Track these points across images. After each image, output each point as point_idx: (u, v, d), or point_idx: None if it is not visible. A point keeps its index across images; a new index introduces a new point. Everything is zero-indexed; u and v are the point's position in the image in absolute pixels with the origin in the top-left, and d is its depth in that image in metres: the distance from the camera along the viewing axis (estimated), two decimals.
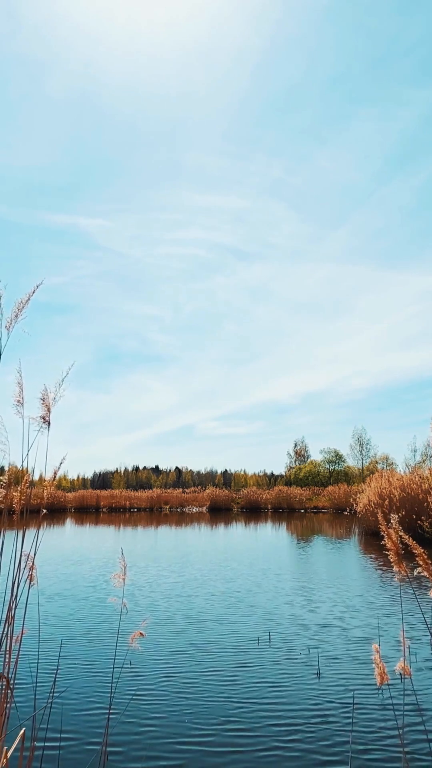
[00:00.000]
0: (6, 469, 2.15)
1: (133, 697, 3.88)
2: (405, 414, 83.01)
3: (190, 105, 76.88)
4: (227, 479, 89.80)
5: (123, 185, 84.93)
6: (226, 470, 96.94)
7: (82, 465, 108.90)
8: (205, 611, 6.64)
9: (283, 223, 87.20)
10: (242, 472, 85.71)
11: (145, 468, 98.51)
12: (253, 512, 36.61)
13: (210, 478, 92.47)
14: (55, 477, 2.18)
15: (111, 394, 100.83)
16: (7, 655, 1.92)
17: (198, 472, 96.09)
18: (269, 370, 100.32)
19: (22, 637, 2.05)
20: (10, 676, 1.89)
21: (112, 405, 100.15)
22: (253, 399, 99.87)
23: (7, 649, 1.93)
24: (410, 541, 2.10)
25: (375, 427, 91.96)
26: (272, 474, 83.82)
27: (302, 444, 63.65)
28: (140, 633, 2.44)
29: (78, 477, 79.05)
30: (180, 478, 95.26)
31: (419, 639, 5.36)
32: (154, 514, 34.53)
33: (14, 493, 2.06)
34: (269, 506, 39.23)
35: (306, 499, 40.46)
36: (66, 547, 14.46)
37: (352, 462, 56.21)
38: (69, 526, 23.35)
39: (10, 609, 1.94)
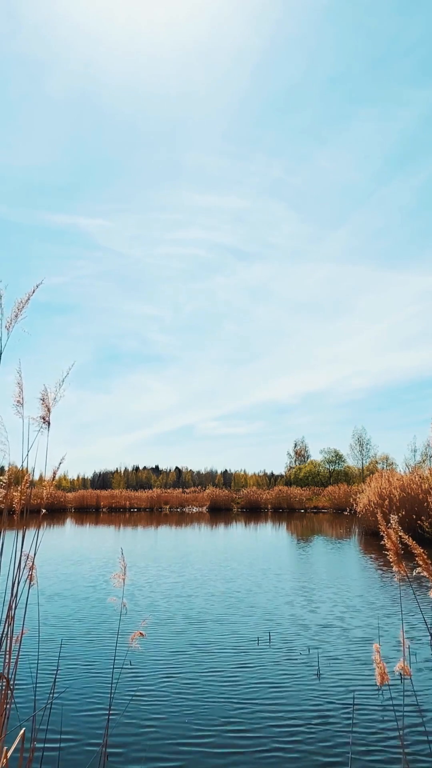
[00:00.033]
0: (6, 469, 2.15)
1: (133, 698, 3.87)
2: (405, 414, 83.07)
3: (190, 105, 76.97)
4: (227, 479, 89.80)
5: (123, 185, 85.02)
6: (226, 470, 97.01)
7: (82, 465, 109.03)
8: (205, 611, 6.64)
9: (283, 223, 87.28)
10: (242, 472, 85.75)
11: (145, 468, 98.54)
12: (253, 512, 36.61)
13: (210, 478, 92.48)
14: (54, 477, 2.18)
15: (111, 394, 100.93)
16: (7, 655, 1.91)
17: (198, 472, 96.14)
18: (269, 370, 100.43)
19: (22, 637, 2.04)
20: (10, 676, 1.88)
21: (112, 405, 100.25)
22: (253, 399, 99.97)
23: (7, 649, 1.93)
24: (410, 541, 2.09)
25: (375, 427, 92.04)
26: (272, 474, 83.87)
27: (302, 444, 63.69)
28: (140, 633, 2.44)
29: (78, 477, 79.11)
30: (180, 478, 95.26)
31: (419, 639, 5.36)
32: (154, 514, 34.53)
33: (14, 493, 2.06)
34: (269, 506, 39.23)
35: (306, 499, 40.46)
36: (66, 547, 14.46)
37: (352, 462, 56.27)
38: (69, 526, 23.35)
39: (10, 609, 1.94)
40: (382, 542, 2.20)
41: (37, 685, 3.97)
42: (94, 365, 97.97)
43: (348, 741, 3.17)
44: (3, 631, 1.92)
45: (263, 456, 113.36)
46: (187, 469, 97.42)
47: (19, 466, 2.11)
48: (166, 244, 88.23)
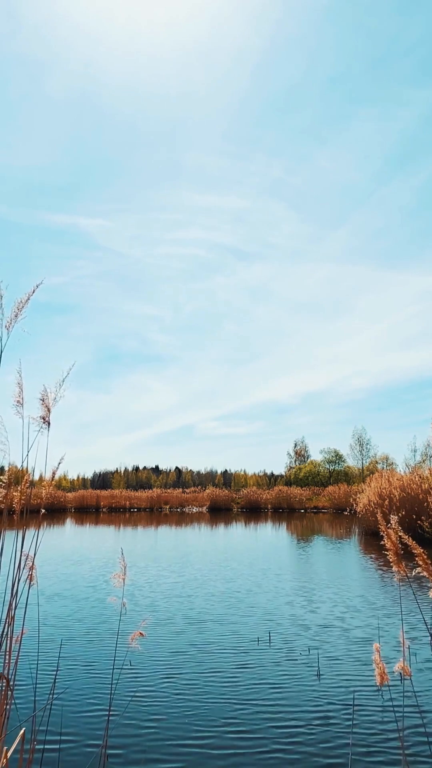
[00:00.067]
0: (6, 469, 2.15)
1: (133, 698, 3.87)
2: (405, 414, 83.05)
3: (190, 105, 76.92)
4: (227, 479, 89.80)
5: (123, 185, 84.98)
6: (226, 470, 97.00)
7: (82, 465, 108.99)
8: (205, 611, 6.64)
9: (283, 223, 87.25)
10: (242, 472, 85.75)
11: (145, 468, 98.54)
12: (253, 512, 36.60)
13: (210, 478, 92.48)
14: (53, 477, 2.18)
15: (111, 394, 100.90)
16: (7, 656, 1.91)
17: (198, 472, 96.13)
18: (269, 370, 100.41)
19: (22, 637, 2.04)
20: (10, 676, 1.88)
21: (112, 405, 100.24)
22: (253, 399, 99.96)
23: (7, 649, 1.93)
24: (410, 541, 2.09)
25: (375, 427, 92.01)
26: (272, 474, 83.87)
27: (302, 444, 63.69)
28: (140, 633, 2.44)
29: (78, 477, 79.08)
30: (180, 478, 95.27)
31: (420, 639, 5.36)
32: (154, 514, 34.53)
33: (14, 493, 2.06)
34: (269, 506, 39.23)
35: (306, 499, 40.46)
36: (66, 547, 14.46)
37: (352, 462, 56.25)
38: (69, 526, 23.35)
39: (10, 609, 1.94)
40: (382, 542, 2.20)
41: (37, 685, 3.97)
42: (94, 365, 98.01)
43: (348, 742, 3.17)
44: (3, 631, 1.92)
45: (263, 456, 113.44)
46: (187, 469, 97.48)
47: (19, 466, 2.11)
48: (166, 244, 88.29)
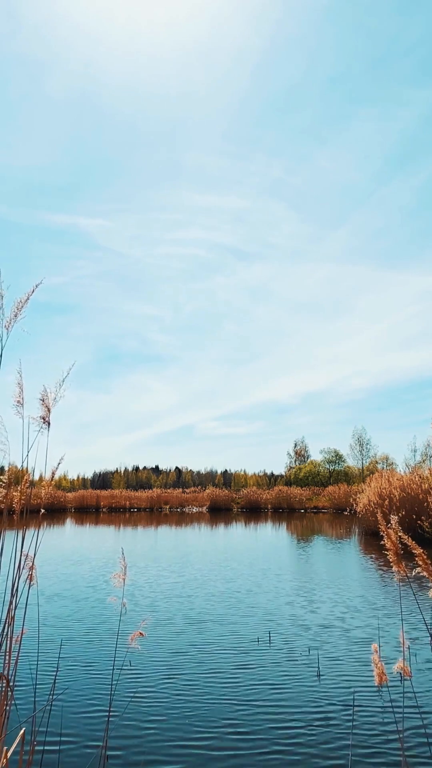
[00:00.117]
0: (6, 469, 2.15)
1: (133, 699, 3.87)
2: (405, 414, 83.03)
3: (190, 105, 76.87)
4: (227, 479, 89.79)
5: (123, 185, 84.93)
6: (226, 470, 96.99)
7: (82, 465, 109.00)
8: (205, 612, 6.63)
9: (283, 223, 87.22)
10: (242, 472, 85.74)
11: (145, 468, 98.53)
12: (253, 512, 36.60)
13: (210, 478, 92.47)
14: (53, 477, 2.17)
15: (111, 394, 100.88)
16: (7, 656, 1.91)
17: (198, 472, 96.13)
18: (269, 370, 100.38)
19: (22, 637, 2.04)
20: (10, 676, 1.88)
21: (112, 405, 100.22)
22: (253, 399, 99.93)
23: (7, 649, 1.93)
24: (410, 542, 2.09)
25: (375, 427, 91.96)
26: (272, 474, 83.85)
27: (302, 444, 63.68)
28: (140, 633, 2.44)
29: (78, 477, 79.06)
30: (180, 478, 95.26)
31: (420, 640, 5.35)
32: (154, 514, 34.53)
33: (14, 493, 2.06)
34: (269, 506, 39.22)
35: (306, 499, 40.45)
36: (66, 547, 14.46)
37: (352, 462, 56.25)
38: (69, 526, 23.34)
39: (10, 609, 1.94)
40: (382, 542, 2.19)
41: (37, 685, 3.97)
42: (94, 365, 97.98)
43: (349, 743, 3.17)
44: (3, 631, 1.91)
45: (263, 456, 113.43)
46: (187, 469, 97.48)
47: (19, 466, 2.11)
48: (166, 244, 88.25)
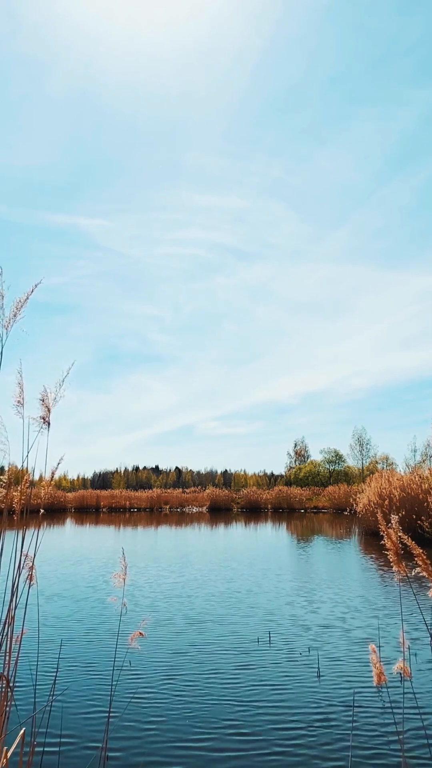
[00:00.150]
0: (6, 469, 2.15)
1: (133, 699, 3.86)
2: (405, 414, 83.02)
3: (190, 105, 76.83)
4: (227, 479, 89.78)
5: (123, 185, 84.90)
6: (226, 470, 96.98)
7: (82, 465, 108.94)
8: (205, 612, 6.63)
9: (283, 223, 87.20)
10: (242, 472, 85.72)
11: (145, 468, 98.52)
12: (253, 512, 36.59)
13: (210, 478, 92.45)
14: (53, 477, 2.17)
15: (111, 394, 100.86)
16: (7, 656, 1.91)
17: (198, 472, 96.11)
18: (269, 370, 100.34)
19: (22, 637, 2.04)
20: (10, 676, 1.88)
21: (112, 405, 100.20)
22: (253, 399, 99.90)
23: (7, 649, 1.92)
24: (409, 542, 2.09)
25: (375, 427, 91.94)
26: (272, 474, 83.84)
27: (302, 444, 63.67)
28: (140, 633, 2.44)
29: (78, 477, 79.09)
30: (180, 478, 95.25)
31: (420, 640, 5.35)
32: (154, 514, 34.52)
33: (14, 493, 2.06)
34: (269, 506, 39.22)
35: (306, 499, 40.44)
36: (66, 547, 14.46)
37: (352, 462, 56.23)
38: (69, 526, 23.34)
39: (10, 609, 1.94)
40: (382, 542, 2.19)
41: (37, 685, 3.96)
42: (94, 365, 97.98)
43: (349, 744, 3.17)
44: (3, 631, 1.91)
45: (263, 456, 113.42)
46: (187, 469, 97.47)
47: (19, 466, 2.10)
48: (166, 244, 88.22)
